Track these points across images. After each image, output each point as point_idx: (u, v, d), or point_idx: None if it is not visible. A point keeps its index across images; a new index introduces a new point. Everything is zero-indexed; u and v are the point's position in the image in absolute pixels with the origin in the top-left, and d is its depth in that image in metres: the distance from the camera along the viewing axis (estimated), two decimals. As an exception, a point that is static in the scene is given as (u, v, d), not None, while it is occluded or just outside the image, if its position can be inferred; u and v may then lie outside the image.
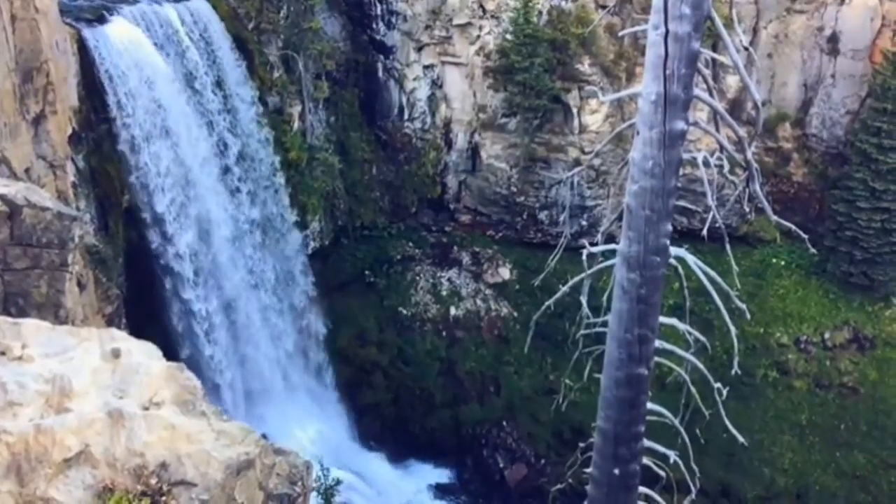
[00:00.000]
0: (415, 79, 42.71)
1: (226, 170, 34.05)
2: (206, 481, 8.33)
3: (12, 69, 22.21)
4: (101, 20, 27.79)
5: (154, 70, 28.73)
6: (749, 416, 38.61)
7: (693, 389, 14.78)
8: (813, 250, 24.34)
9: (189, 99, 31.18)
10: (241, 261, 35.24)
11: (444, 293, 43.12)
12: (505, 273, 43.82)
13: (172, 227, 30.72)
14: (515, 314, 42.62)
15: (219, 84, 32.84)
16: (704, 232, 14.05)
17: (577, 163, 40.47)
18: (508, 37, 39.94)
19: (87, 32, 26.68)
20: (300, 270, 39.04)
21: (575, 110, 41.07)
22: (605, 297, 14.05)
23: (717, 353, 32.35)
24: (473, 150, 43.57)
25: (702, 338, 14.88)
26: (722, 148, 13.29)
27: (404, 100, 43.19)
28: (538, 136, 41.44)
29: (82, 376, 8.96)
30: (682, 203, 14.51)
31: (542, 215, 43.68)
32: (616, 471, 14.41)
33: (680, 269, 13.85)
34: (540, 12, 39.53)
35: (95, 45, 26.77)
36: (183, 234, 31.20)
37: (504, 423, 41.08)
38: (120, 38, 27.62)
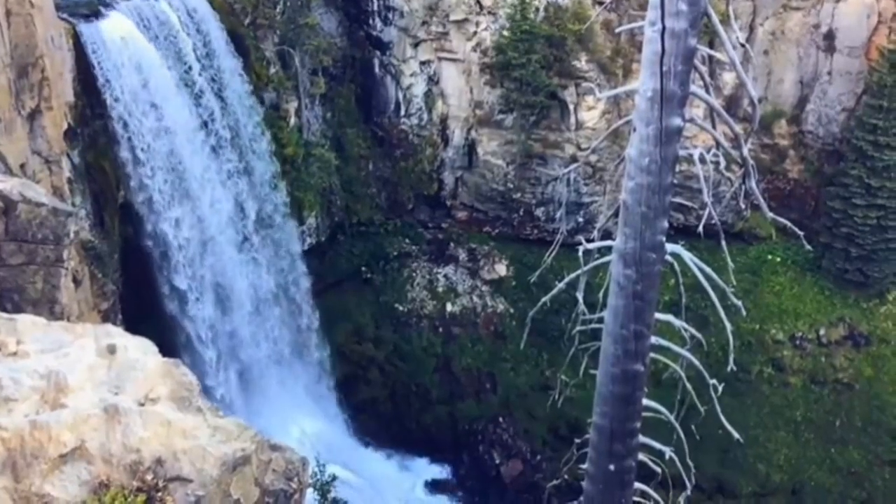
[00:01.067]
0: (411, 75, 42.65)
1: (242, 216, 33.89)
2: (201, 477, 8.34)
3: (7, 64, 22.12)
4: (97, 15, 27.64)
5: (148, 63, 28.65)
6: (744, 412, 38.71)
7: (688, 386, 14.82)
8: (808, 247, 24.32)
9: (184, 90, 30.94)
10: (262, 333, 35.43)
11: (440, 290, 43.13)
12: (501, 269, 43.84)
13: (194, 308, 30.56)
14: (512, 310, 42.65)
15: (220, 96, 32.55)
16: (700, 228, 14.07)
17: (574, 159, 40.47)
18: (505, 33, 39.89)
19: (83, 28, 26.55)
20: (315, 343, 39.39)
21: (572, 107, 41.05)
22: (601, 294, 14.07)
23: (713, 349, 32.38)
24: (470, 147, 43.54)
25: (697, 334, 14.92)
26: (718, 144, 13.31)
27: (401, 96, 43.13)
28: (535, 132, 41.41)
29: (78, 372, 8.95)
30: (678, 200, 14.55)
31: (539, 212, 43.69)
32: (612, 467, 14.44)
33: (676, 266, 13.88)
34: (537, 9, 39.48)
35: (91, 41, 26.59)
36: (204, 310, 31.09)
37: (500, 420, 41.14)
38: (116, 33, 27.40)
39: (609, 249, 13.59)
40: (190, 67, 30.70)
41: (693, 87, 12.01)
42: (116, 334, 9.87)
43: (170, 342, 30.44)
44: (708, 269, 13.82)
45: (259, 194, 34.92)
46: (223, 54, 32.82)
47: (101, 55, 26.75)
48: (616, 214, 13.26)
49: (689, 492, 16.05)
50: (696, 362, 14.82)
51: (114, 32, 27.41)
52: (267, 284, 35.54)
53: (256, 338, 35.20)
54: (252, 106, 34.54)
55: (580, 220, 42.71)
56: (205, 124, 31.92)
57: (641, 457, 15.12)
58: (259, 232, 34.83)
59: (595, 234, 15.30)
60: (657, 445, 15.26)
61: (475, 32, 41.06)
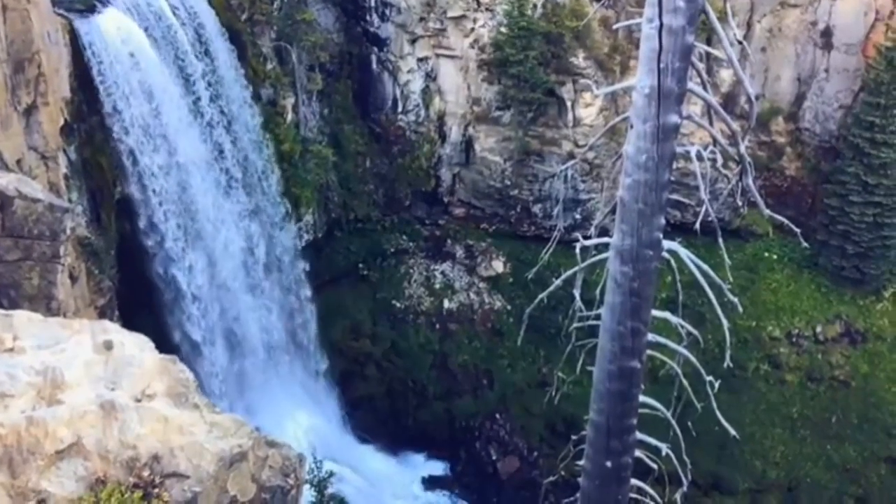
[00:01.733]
0: (409, 71, 42.60)
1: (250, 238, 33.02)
2: (198, 473, 8.34)
3: (3, 60, 22.06)
4: (93, 10, 27.31)
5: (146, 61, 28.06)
6: (741, 409, 38.77)
7: (685, 382, 14.86)
8: (805, 244, 24.38)
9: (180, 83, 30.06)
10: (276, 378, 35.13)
11: (437, 286, 43.13)
12: (498, 266, 43.86)
13: (207, 362, 29.96)
14: (509, 307, 42.66)
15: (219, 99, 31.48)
16: (697, 226, 14.09)
17: (571, 156, 40.47)
18: (503, 29, 39.86)
19: (79, 24, 26.31)
20: (325, 387, 39.49)
21: (569, 103, 41.04)
22: (598, 291, 14.09)
23: (710, 346, 32.19)
24: (467, 143, 43.51)
25: (694, 331, 14.96)
26: (715, 142, 13.34)
27: (398, 92, 43.08)
28: (532, 129, 41.40)
29: (74, 368, 8.95)
30: (675, 197, 14.57)
31: (536, 208, 43.70)
32: (608, 463, 14.48)
33: (673, 263, 13.90)
34: (534, 5, 39.46)
35: (98, 61, 25.61)
36: (217, 361, 30.68)
37: (497, 416, 41.18)
38: (124, 49, 26.39)
39: (606, 246, 13.61)
40: (199, 98, 29.53)
41: (690, 84, 12.02)
42: (113, 330, 9.87)
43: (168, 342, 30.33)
44: (705, 266, 13.85)
45: (269, 234, 34.34)
46: (231, 82, 31.67)
47: (107, 78, 25.54)
48: (613, 211, 13.28)
49: (685, 488, 16.10)
50: (693, 359, 14.86)
51: (122, 47, 26.10)
52: (277, 330, 35.17)
53: (269, 381, 35.07)
54: (262, 141, 33.72)
55: (577, 216, 42.74)
56: (215, 160, 30.99)
57: (638, 453, 15.15)
58: (269, 276, 34.23)
59: (592, 230, 15.33)
60: (654, 442, 15.29)
61: (473, 29, 41.02)
